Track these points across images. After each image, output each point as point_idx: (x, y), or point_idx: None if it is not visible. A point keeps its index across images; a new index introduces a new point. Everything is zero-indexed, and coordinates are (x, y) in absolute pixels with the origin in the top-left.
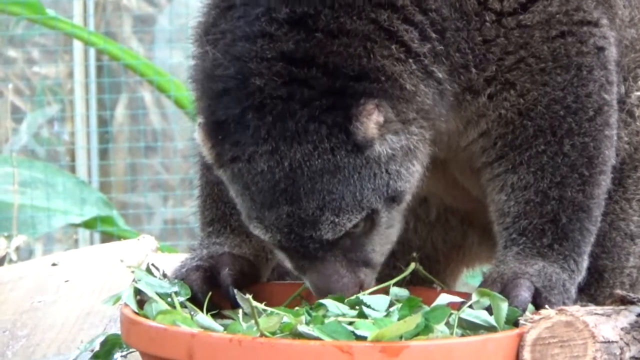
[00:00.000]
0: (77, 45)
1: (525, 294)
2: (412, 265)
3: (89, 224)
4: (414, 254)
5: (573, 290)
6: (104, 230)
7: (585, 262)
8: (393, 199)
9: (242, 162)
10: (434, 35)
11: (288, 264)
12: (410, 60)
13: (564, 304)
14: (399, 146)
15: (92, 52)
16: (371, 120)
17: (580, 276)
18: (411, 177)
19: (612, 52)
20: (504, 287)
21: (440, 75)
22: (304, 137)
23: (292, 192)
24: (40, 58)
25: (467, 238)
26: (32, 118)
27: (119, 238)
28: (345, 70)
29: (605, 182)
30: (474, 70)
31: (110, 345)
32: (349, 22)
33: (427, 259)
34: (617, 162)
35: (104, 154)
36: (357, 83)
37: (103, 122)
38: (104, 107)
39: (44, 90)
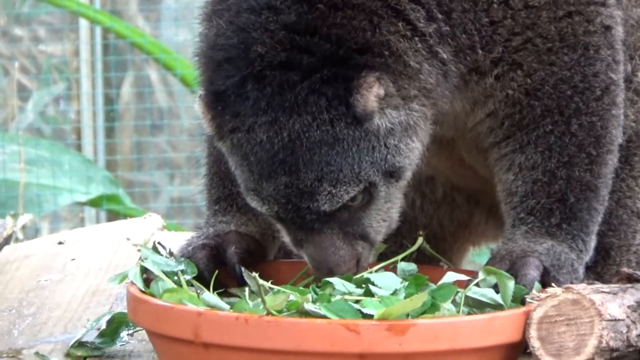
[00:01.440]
0: (83, 24)
1: (533, 272)
2: (419, 241)
3: (95, 203)
4: (421, 232)
5: (581, 270)
6: (110, 208)
7: (593, 242)
8: (391, 174)
9: (242, 132)
10: (440, 15)
11: (286, 239)
12: (416, 39)
13: (572, 283)
14: (398, 121)
15: (98, 30)
16: (371, 93)
17: (588, 256)
18: (410, 153)
19: (619, 31)
20: (513, 264)
21: (445, 56)
22: (304, 109)
23: (290, 162)
24: (46, 36)
25: (474, 216)
26: (38, 96)
27: (125, 216)
28: (348, 42)
29: (612, 161)
30: (480, 51)
31: (116, 323)
32: None
33: (434, 237)
34: (623, 140)
35: (110, 132)
36: (360, 55)
37: (109, 101)
38: (110, 86)
39: (50, 69)
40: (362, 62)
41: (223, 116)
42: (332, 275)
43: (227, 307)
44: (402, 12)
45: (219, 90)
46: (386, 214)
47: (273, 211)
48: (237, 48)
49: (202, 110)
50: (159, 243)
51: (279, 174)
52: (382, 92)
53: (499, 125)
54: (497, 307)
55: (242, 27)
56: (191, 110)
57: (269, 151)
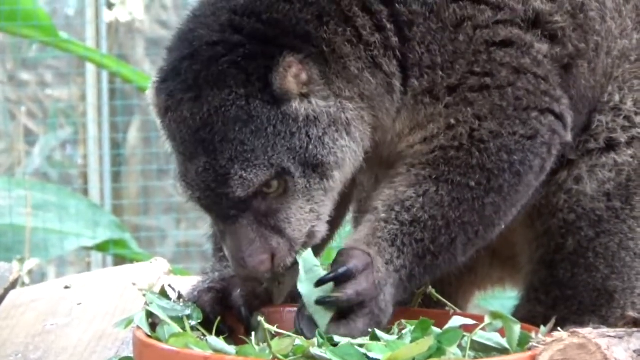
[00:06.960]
0: (90, 68)
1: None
2: (425, 286)
3: (101, 247)
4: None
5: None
6: (117, 253)
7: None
8: (314, 168)
9: (172, 111)
10: (389, 26)
11: (218, 233)
12: (361, 47)
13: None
14: (325, 112)
15: (104, 74)
16: (289, 74)
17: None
18: (338, 150)
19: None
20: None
21: (389, 69)
22: (224, 83)
23: (208, 140)
24: (53, 81)
25: (478, 260)
26: (45, 141)
27: (131, 261)
28: (285, 27)
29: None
30: (440, 72)
31: None
32: None
33: (440, 281)
34: (622, 179)
35: (116, 176)
36: (292, 39)
37: (116, 145)
38: (117, 130)
39: (57, 113)
40: (289, 44)
41: (161, 97)
42: (247, 269)
43: (233, 351)
44: (351, 18)
45: (162, 73)
46: (308, 214)
47: (196, 197)
48: (186, 33)
49: (150, 96)
50: (169, 286)
51: (199, 154)
52: (304, 76)
53: (429, 151)
54: (503, 351)
55: (197, 15)
56: None
57: (192, 128)
